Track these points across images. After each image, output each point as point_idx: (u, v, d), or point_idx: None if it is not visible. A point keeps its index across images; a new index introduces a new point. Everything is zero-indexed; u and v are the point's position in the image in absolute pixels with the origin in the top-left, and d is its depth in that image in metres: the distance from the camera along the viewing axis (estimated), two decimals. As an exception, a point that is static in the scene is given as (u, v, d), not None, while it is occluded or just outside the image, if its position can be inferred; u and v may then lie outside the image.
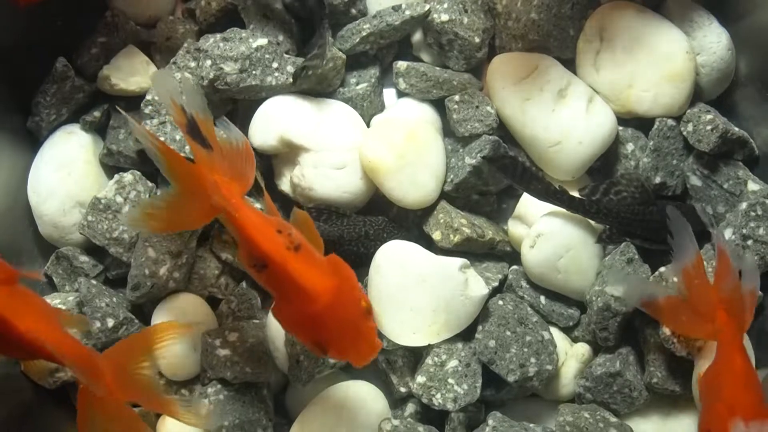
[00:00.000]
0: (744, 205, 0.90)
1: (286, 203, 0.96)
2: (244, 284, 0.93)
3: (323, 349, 0.71)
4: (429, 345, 0.90)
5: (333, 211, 0.93)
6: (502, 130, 0.98)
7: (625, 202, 0.91)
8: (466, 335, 0.91)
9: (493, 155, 0.92)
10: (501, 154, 0.93)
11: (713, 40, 0.95)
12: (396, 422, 0.87)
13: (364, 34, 0.96)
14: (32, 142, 0.98)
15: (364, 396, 0.90)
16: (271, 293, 0.75)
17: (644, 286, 0.85)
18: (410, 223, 0.97)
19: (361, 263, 0.92)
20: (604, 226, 0.92)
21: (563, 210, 0.91)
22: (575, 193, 0.92)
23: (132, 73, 0.97)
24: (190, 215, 0.78)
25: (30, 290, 0.76)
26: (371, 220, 0.94)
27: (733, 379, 0.76)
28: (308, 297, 0.70)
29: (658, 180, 0.94)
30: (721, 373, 0.77)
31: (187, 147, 0.91)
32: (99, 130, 1.00)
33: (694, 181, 0.94)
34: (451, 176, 0.95)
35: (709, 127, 0.92)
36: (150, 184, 0.95)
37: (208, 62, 0.92)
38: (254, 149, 0.93)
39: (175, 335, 0.80)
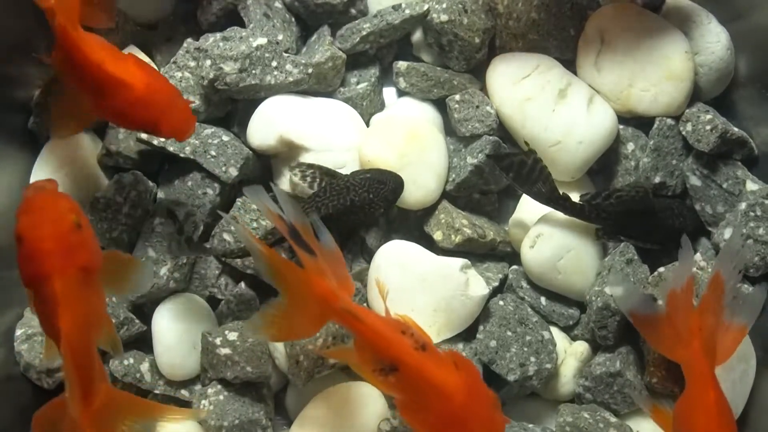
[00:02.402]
0: (743, 206, 0.90)
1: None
2: (243, 284, 0.93)
3: None
4: (429, 345, 0.90)
5: (317, 168, 0.91)
6: (502, 130, 0.98)
7: (624, 206, 0.91)
8: (467, 335, 0.91)
9: (498, 153, 0.92)
10: (508, 152, 0.92)
11: (712, 40, 0.95)
12: (395, 422, 0.87)
13: (364, 33, 0.96)
14: (34, 142, 0.98)
15: (363, 396, 0.90)
16: (397, 394, 0.73)
17: (638, 295, 0.83)
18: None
19: (356, 233, 0.92)
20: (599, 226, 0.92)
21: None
22: (576, 199, 0.92)
23: (132, 73, 0.97)
24: (303, 324, 0.75)
25: (101, 289, 0.73)
26: (353, 183, 0.89)
27: (706, 412, 0.74)
28: (445, 397, 0.70)
29: (657, 180, 0.94)
30: (695, 405, 0.76)
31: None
32: (98, 130, 1.00)
33: (694, 180, 0.94)
34: (453, 175, 0.95)
35: (708, 127, 0.92)
36: (151, 184, 0.95)
37: (208, 62, 0.92)
38: (253, 149, 0.94)
39: (183, 418, 0.80)
